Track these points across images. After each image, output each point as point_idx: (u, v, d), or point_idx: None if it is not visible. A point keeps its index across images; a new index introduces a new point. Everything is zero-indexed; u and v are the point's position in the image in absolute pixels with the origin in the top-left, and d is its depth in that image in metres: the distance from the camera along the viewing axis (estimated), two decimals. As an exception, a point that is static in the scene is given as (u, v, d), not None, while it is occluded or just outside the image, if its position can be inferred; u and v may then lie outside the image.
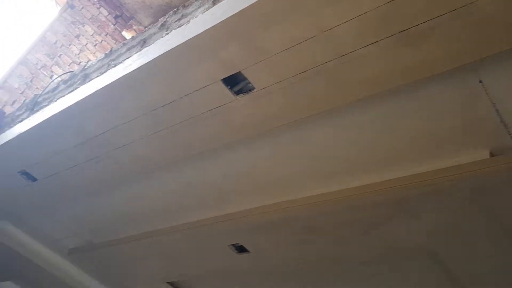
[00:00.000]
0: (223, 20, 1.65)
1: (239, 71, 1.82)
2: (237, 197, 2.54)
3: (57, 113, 2.33)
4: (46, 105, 2.60)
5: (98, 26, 6.81)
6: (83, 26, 6.61)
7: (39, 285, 4.47)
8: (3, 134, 2.80)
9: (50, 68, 6.03)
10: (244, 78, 1.86)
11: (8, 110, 4.57)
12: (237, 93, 1.92)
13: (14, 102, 5.55)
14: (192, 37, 1.75)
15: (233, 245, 2.73)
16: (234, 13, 1.62)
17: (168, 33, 1.99)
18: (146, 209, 2.97)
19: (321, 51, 1.65)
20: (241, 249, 2.74)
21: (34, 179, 2.79)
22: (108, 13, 6.93)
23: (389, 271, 2.71)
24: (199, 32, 1.73)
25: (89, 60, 3.54)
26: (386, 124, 1.91)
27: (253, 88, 1.87)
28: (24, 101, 3.70)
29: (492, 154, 1.80)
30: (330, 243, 2.41)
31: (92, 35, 6.70)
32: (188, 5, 2.07)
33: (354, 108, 1.90)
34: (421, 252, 2.34)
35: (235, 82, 1.91)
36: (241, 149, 2.26)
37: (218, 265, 3.06)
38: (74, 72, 2.70)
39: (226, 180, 2.49)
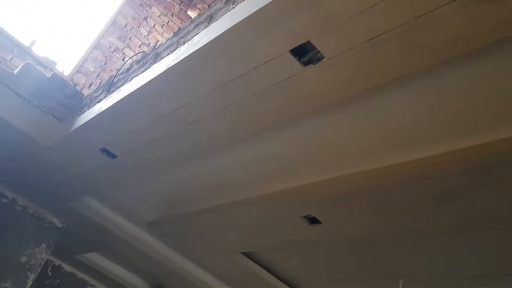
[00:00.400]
0: (290, -12, 1.62)
1: (308, 41, 1.77)
2: (308, 169, 2.53)
3: (132, 92, 2.43)
4: (121, 85, 2.72)
5: (164, 7, 6.97)
6: (150, 8, 6.79)
7: (121, 255, 4.79)
8: (83, 115, 2.98)
9: (122, 50, 6.30)
10: (313, 48, 1.82)
11: (86, 92, 4.83)
12: (306, 63, 1.88)
13: (90, 84, 5.87)
14: (259, 9, 1.73)
15: (305, 216, 2.74)
16: (301, -20, 1.58)
17: (234, 7, 1.98)
18: (218, 183, 3.05)
19: (394, 14, 1.57)
20: (313, 220, 2.75)
21: (114, 156, 2.95)
22: (173, -6, 7.07)
23: (464, 244, 2.60)
24: (266, 3, 1.70)
25: (157, 41, 3.65)
26: (466, 89, 1.79)
27: (323, 58, 1.82)
28: (100, 83, 3.90)
29: None
30: (405, 214, 2.34)
31: (159, 16, 6.87)
32: (253, -23, 2.05)
33: (430, 73, 1.80)
34: (501, 224, 2.21)
35: (304, 53, 1.87)
36: (310, 120, 2.24)
37: (290, 236, 3.10)
38: (145, 52, 2.79)
39: (297, 153, 2.49)
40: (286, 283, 4.14)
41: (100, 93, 3.04)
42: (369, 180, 2.20)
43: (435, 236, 2.58)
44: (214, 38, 1.94)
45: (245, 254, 3.89)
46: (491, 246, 2.52)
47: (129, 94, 2.45)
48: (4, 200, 4.09)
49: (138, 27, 6.59)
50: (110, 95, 2.74)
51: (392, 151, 2.12)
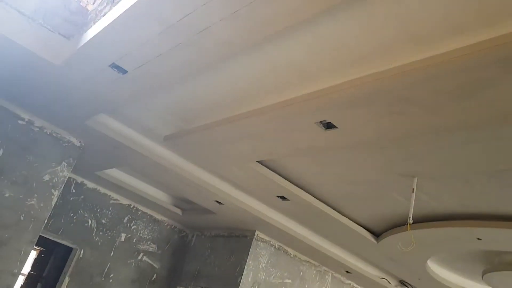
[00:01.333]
0: None
1: None
2: (323, 73, 2.48)
3: (137, 1, 2.32)
4: (125, -4, 2.60)
5: None
6: None
7: (140, 170, 4.93)
8: (89, 30, 2.89)
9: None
10: None
11: (90, 8, 4.65)
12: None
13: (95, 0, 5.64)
14: None
15: (321, 122, 2.73)
16: None
17: None
18: (232, 93, 3.02)
19: None
20: (328, 125, 2.75)
21: (125, 71, 2.91)
22: None
23: (483, 139, 2.60)
24: None
25: None
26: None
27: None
28: (102, -4, 3.73)
29: None
30: (423, 112, 2.32)
31: None
32: None
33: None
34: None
35: None
36: (324, 22, 2.14)
37: (305, 143, 3.13)
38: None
39: (311, 57, 2.42)
40: (302, 188, 4.27)
41: (105, 6, 2.91)
42: (386, 81, 2.15)
43: (453, 134, 2.58)
44: None
45: (260, 162, 3.97)
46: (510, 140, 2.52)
47: (134, 4, 2.34)
48: (20, 122, 4.15)
49: None
50: (115, 7, 2.63)
51: (409, 48, 2.04)
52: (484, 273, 4.76)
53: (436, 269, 5.41)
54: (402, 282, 6.25)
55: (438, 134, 2.68)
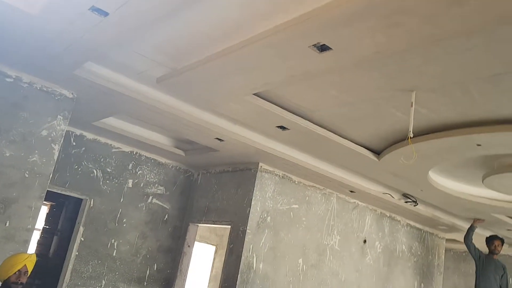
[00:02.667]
0: None
1: None
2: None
3: None
4: None
5: None
6: None
7: (137, 115, 4.90)
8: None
9: None
10: None
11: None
12: None
13: None
14: None
15: (315, 45, 2.67)
16: None
17: None
18: (222, 25, 2.92)
19: None
20: (323, 48, 2.68)
21: (106, 13, 2.79)
22: None
23: (482, 44, 2.56)
24: None
25: None
26: None
27: None
28: None
29: None
30: (419, 22, 2.25)
31: None
32: None
33: None
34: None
35: None
36: None
37: (300, 69, 3.07)
38: None
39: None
40: (301, 116, 4.27)
41: None
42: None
43: (449, 42, 2.53)
44: None
45: (256, 95, 3.94)
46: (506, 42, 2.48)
47: None
48: (8, 79, 4.06)
49: None
50: None
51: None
52: (484, 177, 4.89)
53: (438, 179, 5.56)
54: (405, 195, 6.44)
55: (434, 44, 2.62)
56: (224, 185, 6.17)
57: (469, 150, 4.20)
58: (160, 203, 6.41)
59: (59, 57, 3.64)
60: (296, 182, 6.06)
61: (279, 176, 5.88)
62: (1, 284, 3.21)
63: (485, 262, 6.53)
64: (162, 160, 6.48)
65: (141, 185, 6.24)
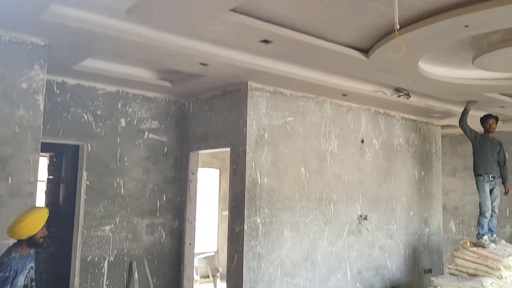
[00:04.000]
0: None
1: None
2: None
3: None
4: None
5: None
6: None
7: (113, 52, 4.75)
8: None
9: None
10: None
11: None
12: None
13: None
14: None
15: None
16: None
17: None
18: None
19: None
20: None
21: None
22: None
23: None
24: None
25: None
26: None
27: None
28: None
29: None
30: None
31: None
32: None
33: None
34: None
35: None
36: None
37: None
38: None
39: None
40: (283, 26, 4.13)
41: None
42: None
43: None
44: None
45: (234, 10, 3.77)
46: None
47: None
48: (-28, 36, 3.87)
49: None
50: None
51: None
52: (474, 58, 4.85)
53: (428, 68, 5.52)
54: (397, 90, 6.44)
55: None
56: (217, 110, 6.15)
57: (457, 33, 4.12)
58: (157, 137, 6.44)
59: (20, 3, 3.43)
60: (288, 95, 6.03)
61: (270, 92, 5.83)
62: (26, 241, 3.29)
63: (481, 141, 6.70)
64: (150, 94, 6.39)
65: (135, 123, 6.22)
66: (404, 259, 7.40)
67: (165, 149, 6.52)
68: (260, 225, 5.55)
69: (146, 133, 6.33)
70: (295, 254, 5.87)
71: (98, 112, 5.88)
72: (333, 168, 6.46)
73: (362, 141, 6.92)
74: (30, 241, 3.37)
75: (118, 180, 6.00)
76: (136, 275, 5.89)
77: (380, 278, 6.97)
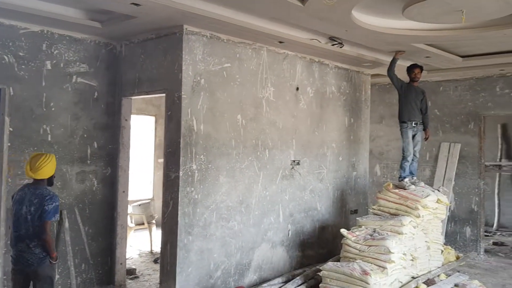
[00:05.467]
0: None
1: None
2: None
3: None
4: None
5: None
6: None
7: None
8: None
9: None
10: None
11: None
12: None
13: None
14: None
15: None
16: None
17: None
18: None
19: None
20: None
21: None
22: None
23: None
24: None
25: None
26: None
27: None
28: None
29: None
30: None
31: None
32: None
33: None
34: None
35: None
36: None
37: None
38: None
39: None
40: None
41: None
42: None
43: None
44: None
45: None
46: None
47: None
48: None
49: None
50: None
51: None
52: (404, 8, 5.02)
53: (361, 17, 5.64)
54: (331, 38, 6.55)
55: None
56: (151, 54, 5.93)
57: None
58: (87, 81, 6.14)
59: None
60: (225, 41, 5.93)
61: (207, 36, 5.70)
62: (48, 180, 4.28)
63: (406, 90, 7.09)
64: (78, 35, 6.02)
65: (61, 66, 5.87)
66: (332, 201, 7.85)
67: (96, 94, 6.26)
68: (196, 171, 5.59)
69: (75, 77, 6.01)
70: (230, 199, 6.02)
71: (20, 53, 5.47)
72: (269, 115, 6.57)
73: (297, 88, 7.05)
74: (50, 180, 4.29)
75: (44, 126, 5.71)
76: (66, 224, 5.78)
77: (310, 219, 7.37)
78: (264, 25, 5.63)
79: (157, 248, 8.01)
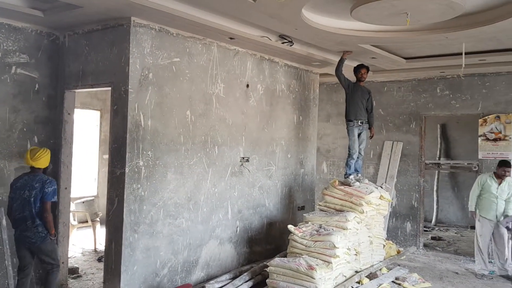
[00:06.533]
0: None
1: None
2: None
3: None
4: None
5: None
6: None
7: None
8: None
9: None
10: None
11: None
12: None
13: None
14: None
15: None
16: None
17: None
18: None
19: None
20: None
21: None
22: None
23: None
24: None
25: None
26: None
27: None
28: None
29: None
30: None
31: None
32: None
33: None
34: None
35: None
36: None
37: None
38: None
39: None
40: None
41: None
42: None
43: None
44: None
45: None
46: None
47: None
48: None
49: None
50: None
51: None
52: (352, 9, 5.14)
53: (311, 16, 5.73)
54: (281, 36, 6.61)
55: None
56: (96, 46, 5.72)
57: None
58: (27, 73, 5.84)
59: None
60: (175, 35, 5.82)
61: (156, 29, 5.57)
62: (44, 169, 5.07)
63: (353, 90, 7.29)
64: (18, 24, 5.70)
65: (-1, 55, 5.55)
66: (280, 198, 7.94)
67: (36, 86, 5.96)
68: (143, 168, 5.47)
69: (14, 68, 5.69)
70: (178, 195, 5.94)
71: (-48, 41, 5.11)
72: (219, 112, 6.53)
73: (247, 85, 7.06)
74: (46, 170, 5.11)
75: (-20, 119, 5.39)
76: (4, 222, 5.47)
77: (258, 216, 7.42)
78: (215, 20, 5.59)
79: (101, 246, 7.77)
